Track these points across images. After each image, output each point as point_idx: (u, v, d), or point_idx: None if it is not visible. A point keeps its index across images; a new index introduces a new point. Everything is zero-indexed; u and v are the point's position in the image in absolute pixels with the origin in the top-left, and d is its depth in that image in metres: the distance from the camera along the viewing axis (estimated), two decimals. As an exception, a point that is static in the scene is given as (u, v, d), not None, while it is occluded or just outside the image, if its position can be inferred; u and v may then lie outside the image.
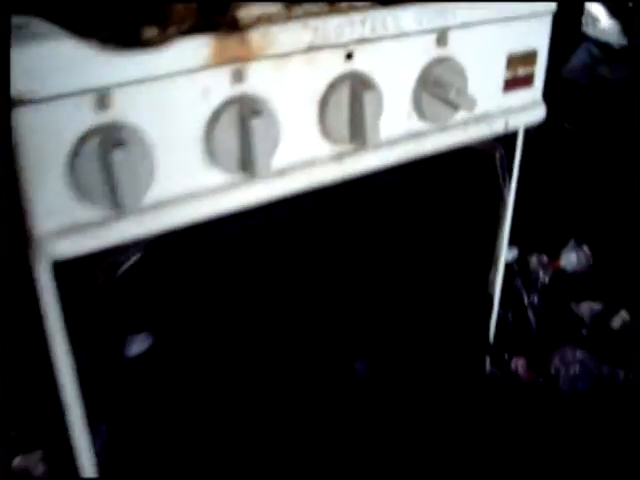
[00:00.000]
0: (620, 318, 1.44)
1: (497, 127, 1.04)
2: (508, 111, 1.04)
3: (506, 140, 1.10)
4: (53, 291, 0.75)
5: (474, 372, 1.31)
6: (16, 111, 0.66)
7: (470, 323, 1.26)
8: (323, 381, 1.12)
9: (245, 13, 0.78)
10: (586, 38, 1.77)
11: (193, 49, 0.72)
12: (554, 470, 1.16)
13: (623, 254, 1.47)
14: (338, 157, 0.87)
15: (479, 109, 0.97)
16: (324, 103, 0.83)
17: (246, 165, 0.78)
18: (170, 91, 0.72)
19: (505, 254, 1.24)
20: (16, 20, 0.71)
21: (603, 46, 1.78)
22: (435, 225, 1.14)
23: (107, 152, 0.68)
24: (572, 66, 1.83)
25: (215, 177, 0.78)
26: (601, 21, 1.78)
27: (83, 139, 0.69)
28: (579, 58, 1.84)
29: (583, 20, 1.77)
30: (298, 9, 0.82)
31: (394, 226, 1.08)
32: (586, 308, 1.46)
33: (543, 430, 1.22)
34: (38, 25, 0.71)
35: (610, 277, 1.48)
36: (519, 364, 1.35)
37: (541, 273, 1.48)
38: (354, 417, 1.15)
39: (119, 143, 0.68)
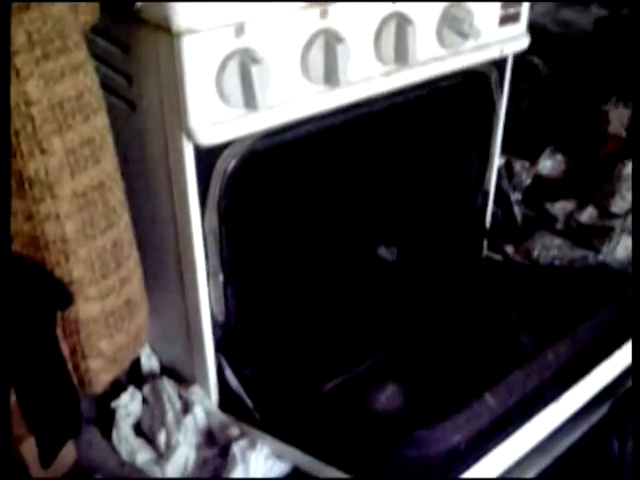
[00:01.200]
0: (588, 213, 1.79)
1: (494, 53, 1.38)
2: (502, 41, 1.38)
3: (498, 64, 1.45)
4: (194, 174, 1.09)
5: (475, 254, 1.67)
6: (180, 41, 0.98)
7: (472, 214, 1.62)
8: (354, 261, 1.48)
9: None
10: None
11: None
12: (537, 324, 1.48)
13: (592, 161, 1.83)
14: (387, 74, 1.21)
15: (482, 39, 1.32)
16: (377, 36, 1.17)
17: (329, 78, 1.11)
18: (282, 24, 1.06)
19: (497, 158, 1.60)
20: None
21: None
22: (446, 132, 1.49)
23: (246, 67, 1.01)
24: (537, 10, 2.17)
25: (307, 87, 1.12)
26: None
27: (227, 58, 1.02)
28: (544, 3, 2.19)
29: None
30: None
31: (417, 132, 1.43)
32: (559, 207, 1.82)
33: (529, 295, 1.56)
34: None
35: (580, 180, 1.83)
36: (508, 249, 1.71)
37: (524, 176, 1.83)
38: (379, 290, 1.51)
39: (254, 60, 1.01)
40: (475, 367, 1.28)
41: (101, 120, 0.99)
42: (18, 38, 0.89)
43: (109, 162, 1.00)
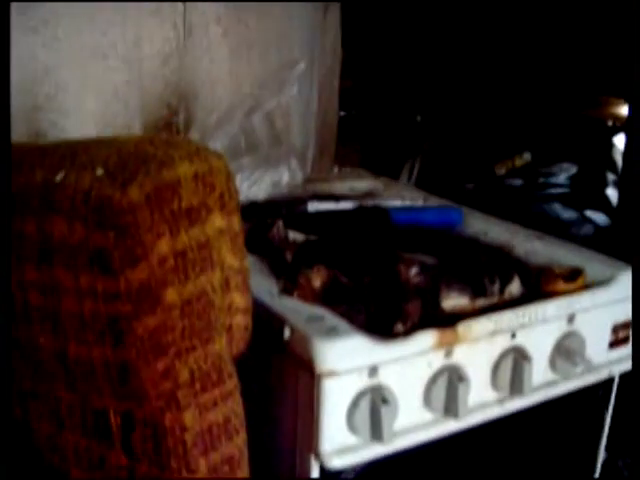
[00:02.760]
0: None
1: (602, 375, 1.46)
2: (610, 363, 1.46)
3: (605, 381, 1.52)
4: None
5: None
6: (321, 381, 1.10)
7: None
8: None
9: (446, 304, 1.24)
10: None
11: (424, 338, 1.17)
12: None
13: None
14: (501, 401, 1.29)
15: (592, 364, 1.40)
16: (496, 368, 1.27)
17: (449, 410, 1.21)
18: (409, 364, 1.17)
19: (601, 461, 1.64)
20: (315, 311, 1.17)
21: None
22: (550, 443, 1.55)
23: (376, 405, 1.12)
24: None
25: (427, 416, 1.21)
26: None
27: (359, 396, 1.13)
28: None
29: None
30: (480, 300, 1.27)
31: (523, 442, 1.50)
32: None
33: None
34: (330, 319, 1.16)
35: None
36: None
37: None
38: None
39: (384, 400, 1.12)
40: None
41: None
42: (182, 375, 1.01)
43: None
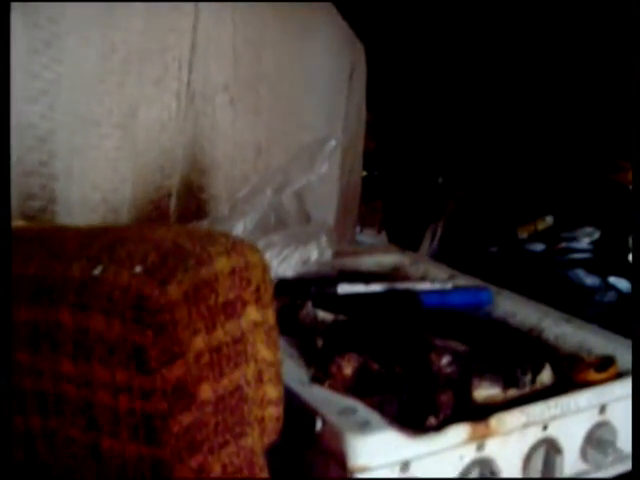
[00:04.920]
0: None
1: None
2: None
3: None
4: None
5: None
6: (353, 476, 1.09)
7: None
8: None
9: (478, 394, 1.22)
10: None
11: (457, 433, 1.16)
12: None
13: None
14: None
15: (623, 453, 1.38)
16: (527, 460, 1.25)
17: None
18: (441, 458, 1.15)
19: None
20: (347, 402, 1.16)
21: None
22: None
23: None
24: None
25: None
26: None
27: None
28: None
29: None
30: (511, 391, 1.26)
31: None
32: None
33: None
34: (363, 412, 1.15)
35: None
36: None
37: None
38: None
39: None
40: None
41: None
42: (214, 470, 1.01)
43: None
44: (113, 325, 0.92)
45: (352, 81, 2.55)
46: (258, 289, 1.01)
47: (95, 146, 1.65)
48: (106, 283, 0.94)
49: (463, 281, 1.69)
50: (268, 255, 1.50)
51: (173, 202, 1.79)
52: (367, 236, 3.10)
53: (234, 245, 1.01)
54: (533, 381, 1.26)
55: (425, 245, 2.96)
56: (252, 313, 1.02)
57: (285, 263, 1.51)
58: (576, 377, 1.30)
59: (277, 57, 2.20)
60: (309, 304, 1.37)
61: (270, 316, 1.04)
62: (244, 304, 1.00)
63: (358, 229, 3.08)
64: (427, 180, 3.28)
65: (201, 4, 1.83)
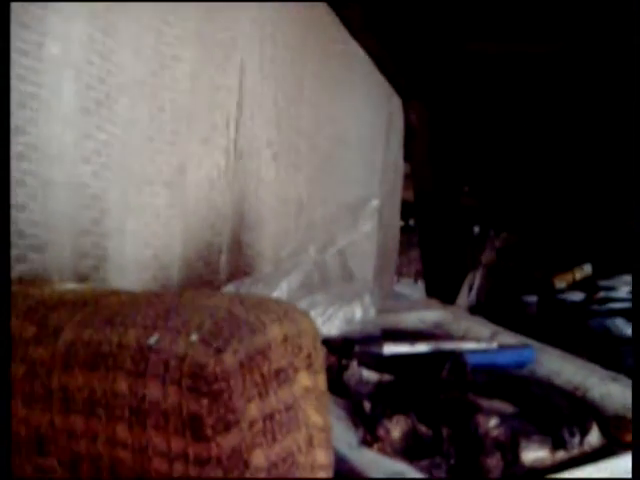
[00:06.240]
0: None
1: None
2: None
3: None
4: None
5: None
6: None
7: None
8: None
9: (526, 457, 1.22)
10: None
11: None
12: None
13: None
14: None
15: None
16: None
17: None
18: None
19: None
20: (396, 467, 1.16)
21: None
22: None
23: None
24: None
25: None
26: None
27: None
28: None
29: None
30: (560, 453, 1.26)
31: None
32: None
33: None
34: (411, 476, 1.15)
35: None
36: None
37: None
38: None
39: None
40: None
41: None
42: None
43: None
44: (169, 393, 0.94)
45: (389, 134, 2.59)
46: (309, 355, 1.03)
47: (146, 204, 1.68)
48: (162, 351, 0.96)
49: (506, 338, 1.69)
50: (312, 314, 1.52)
51: (223, 259, 1.82)
52: (404, 286, 3.11)
53: (286, 312, 1.02)
54: (581, 443, 1.25)
55: (463, 295, 2.96)
56: (303, 379, 1.03)
57: (329, 322, 1.52)
58: (624, 438, 1.29)
59: (315, 113, 2.24)
60: (354, 364, 1.38)
61: (321, 382, 1.06)
62: (296, 371, 1.02)
63: (395, 279, 3.09)
64: (463, 229, 3.28)
65: (246, 61, 1.87)
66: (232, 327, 0.96)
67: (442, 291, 2.83)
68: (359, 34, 2.28)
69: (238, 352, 0.94)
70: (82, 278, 1.47)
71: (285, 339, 0.99)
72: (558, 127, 3.14)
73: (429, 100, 2.90)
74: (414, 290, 3.07)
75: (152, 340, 0.98)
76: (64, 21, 1.38)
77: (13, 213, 1.33)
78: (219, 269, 1.80)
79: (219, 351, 0.93)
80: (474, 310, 2.68)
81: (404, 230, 3.09)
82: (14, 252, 1.34)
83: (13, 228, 1.33)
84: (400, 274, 3.07)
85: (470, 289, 2.99)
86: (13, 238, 1.34)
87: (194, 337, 0.95)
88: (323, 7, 2.15)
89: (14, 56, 1.30)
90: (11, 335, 1.10)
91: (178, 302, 1.06)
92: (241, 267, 1.84)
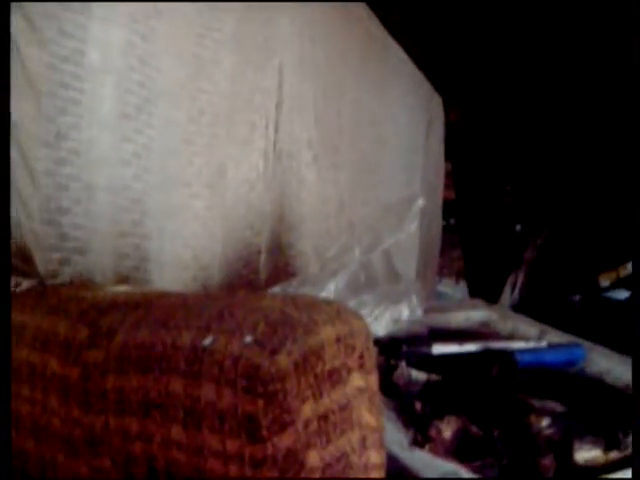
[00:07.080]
0: None
1: None
2: None
3: None
4: None
5: None
6: None
7: None
8: None
9: (579, 456, 1.21)
10: None
11: None
12: None
13: None
14: None
15: None
16: None
17: None
18: None
19: None
20: (448, 467, 1.15)
21: None
22: None
23: None
24: None
25: None
26: None
27: None
28: None
29: None
30: (613, 453, 1.24)
31: None
32: None
33: None
34: (464, 477, 1.14)
35: None
36: None
37: None
38: None
39: None
40: None
41: None
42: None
43: None
44: (224, 394, 0.95)
45: (430, 133, 2.57)
46: (362, 356, 1.02)
47: (186, 206, 1.69)
48: (217, 353, 0.96)
49: (554, 337, 1.67)
50: (360, 314, 1.51)
51: (263, 259, 1.82)
52: (446, 286, 3.08)
53: (339, 313, 1.02)
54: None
55: (506, 294, 2.93)
56: (356, 380, 1.03)
57: (376, 322, 1.52)
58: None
59: (355, 113, 2.24)
60: (403, 364, 1.37)
61: (373, 382, 1.05)
62: (349, 371, 1.01)
63: (437, 279, 3.07)
64: (505, 228, 3.25)
65: (285, 62, 1.88)
66: (286, 328, 0.96)
67: (485, 290, 2.81)
68: (399, 34, 2.27)
69: (292, 353, 0.94)
70: (123, 279, 1.49)
71: (338, 339, 0.99)
72: (603, 125, 3.10)
73: (470, 99, 2.88)
74: (456, 290, 3.04)
75: (207, 342, 0.98)
76: (104, 27, 1.39)
77: (57, 217, 1.34)
78: (259, 269, 1.80)
79: (274, 352, 0.93)
80: (517, 309, 2.66)
81: (444, 229, 3.07)
82: (58, 255, 1.35)
83: (57, 231, 1.35)
84: (441, 274, 3.04)
85: (513, 288, 2.96)
86: (57, 241, 1.35)
87: (248, 338, 0.95)
88: (363, 7, 2.14)
89: (56, 63, 1.32)
90: (64, 338, 1.11)
91: (231, 303, 1.07)
92: (281, 267, 1.84)
